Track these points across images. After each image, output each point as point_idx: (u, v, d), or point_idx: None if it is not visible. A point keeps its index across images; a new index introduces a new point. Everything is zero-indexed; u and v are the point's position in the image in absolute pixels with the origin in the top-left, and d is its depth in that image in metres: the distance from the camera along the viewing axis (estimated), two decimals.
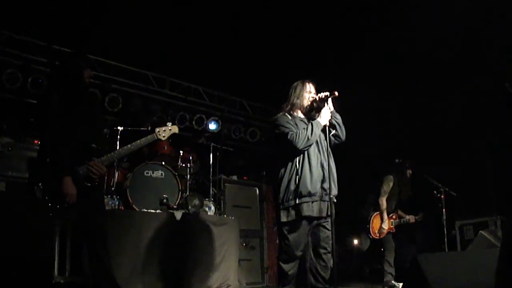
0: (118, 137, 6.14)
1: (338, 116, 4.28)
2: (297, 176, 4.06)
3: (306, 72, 4.70)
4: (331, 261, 4.10)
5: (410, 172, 6.98)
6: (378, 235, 6.76)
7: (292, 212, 4.05)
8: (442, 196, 6.73)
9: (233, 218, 6.16)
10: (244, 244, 7.08)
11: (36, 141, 5.68)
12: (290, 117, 4.25)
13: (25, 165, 5.61)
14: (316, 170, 4.11)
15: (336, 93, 4.09)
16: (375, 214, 6.83)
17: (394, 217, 6.89)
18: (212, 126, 8.99)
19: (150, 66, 8.27)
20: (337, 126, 4.27)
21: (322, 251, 4.14)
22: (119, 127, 6.20)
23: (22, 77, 6.99)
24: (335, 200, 4.15)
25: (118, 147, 6.02)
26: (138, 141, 3.81)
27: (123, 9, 6.80)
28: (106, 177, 5.65)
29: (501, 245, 2.55)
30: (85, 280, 4.80)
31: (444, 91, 7.79)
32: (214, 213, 6.34)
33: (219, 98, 9.27)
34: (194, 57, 7.82)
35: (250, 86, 8.84)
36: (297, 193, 4.02)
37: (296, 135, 4.03)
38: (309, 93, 4.29)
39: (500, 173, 7.57)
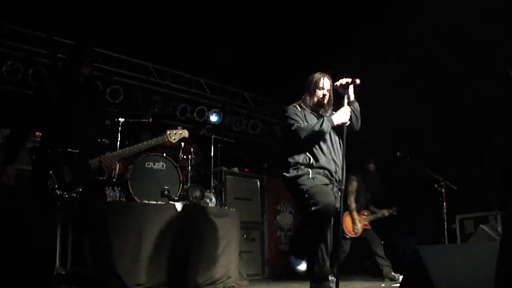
0: (119, 128, 6.15)
1: (356, 106, 4.21)
2: (309, 168, 4.07)
3: (308, 65, 4.69)
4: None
5: (373, 166, 7.07)
6: (354, 233, 6.81)
7: (312, 183, 4.01)
8: (443, 190, 6.74)
9: (234, 210, 6.17)
10: (244, 236, 7.10)
11: (37, 133, 5.69)
12: (299, 109, 4.26)
13: (27, 156, 5.61)
14: (328, 164, 4.11)
15: (358, 81, 4.05)
16: (345, 213, 6.85)
17: (366, 213, 6.97)
18: (214, 118, 8.99)
19: (151, 58, 8.26)
20: (353, 117, 4.20)
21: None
22: (120, 119, 6.22)
23: (23, 69, 6.98)
24: (343, 189, 4.17)
25: (119, 139, 6.04)
26: (150, 141, 3.90)
27: (124, 0, 6.79)
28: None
29: (500, 241, 2.54)
30: (87, 271, 4.82)
31: (446, 86, 7.78)
32: (215, 205, 6.36)
33: (221, 90, 9.26)
34: (195, 49, 7.80)
35: (252, 79, 8.82)
36: (312, 178, 4.03)
37: (300, 127, 4.03)
38: (321, 89, 4.27)
39: (501, 168, 7.57)
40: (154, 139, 3.93)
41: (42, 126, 3.57)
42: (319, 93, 4.26)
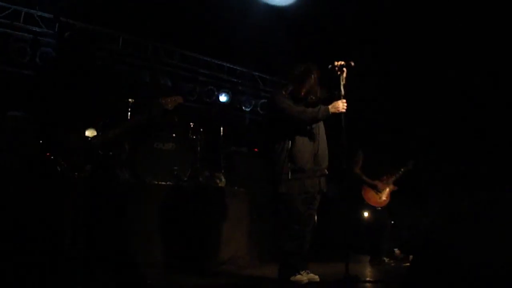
0: (129, 109, 6.12)
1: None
2: (288, 153, 4.17)
3: (317, 46, 4.64)
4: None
5: None
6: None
7: (288, 184, 4.14)
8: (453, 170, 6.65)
9: (243, 190, 6.15)
10: (254, 216, 7.08)
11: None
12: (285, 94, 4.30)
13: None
14: (308, 146, 4.16)
15: (352, 63, 4.03)
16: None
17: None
18: (223, 98, 8.96)
19: (159, 38, 8.21)
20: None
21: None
22: (129, 99, 6.19)
23: (30, 50, 6.95)
24: (326, 172, 4.18)
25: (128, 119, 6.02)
26: (146, 113, 3.76)
27: None
28: (116, 148, 5.64)
29: None
30: (97, 252, 4.83)
31: None
32: (225, 185, 6.34)
33: (230, 70, 9.21)
34: (204, 29, 7.74)
35: (261, 59, 8.76)
36: (290, 169, 4.13)
37: (294, 111, 4.11)
38: (310, 81, 4.22)
39: None
40: (149, 110, 3.80)
41: (48, 107, 3.55)
42: (307, 84, 4.22)
